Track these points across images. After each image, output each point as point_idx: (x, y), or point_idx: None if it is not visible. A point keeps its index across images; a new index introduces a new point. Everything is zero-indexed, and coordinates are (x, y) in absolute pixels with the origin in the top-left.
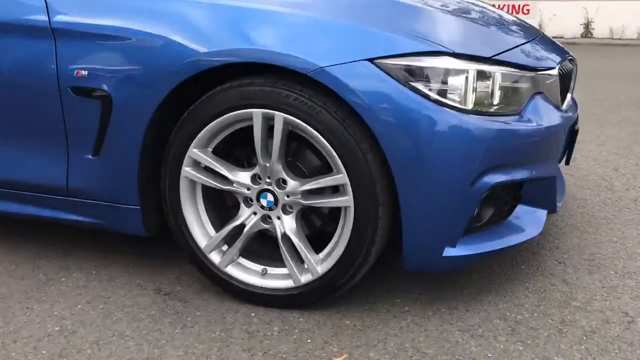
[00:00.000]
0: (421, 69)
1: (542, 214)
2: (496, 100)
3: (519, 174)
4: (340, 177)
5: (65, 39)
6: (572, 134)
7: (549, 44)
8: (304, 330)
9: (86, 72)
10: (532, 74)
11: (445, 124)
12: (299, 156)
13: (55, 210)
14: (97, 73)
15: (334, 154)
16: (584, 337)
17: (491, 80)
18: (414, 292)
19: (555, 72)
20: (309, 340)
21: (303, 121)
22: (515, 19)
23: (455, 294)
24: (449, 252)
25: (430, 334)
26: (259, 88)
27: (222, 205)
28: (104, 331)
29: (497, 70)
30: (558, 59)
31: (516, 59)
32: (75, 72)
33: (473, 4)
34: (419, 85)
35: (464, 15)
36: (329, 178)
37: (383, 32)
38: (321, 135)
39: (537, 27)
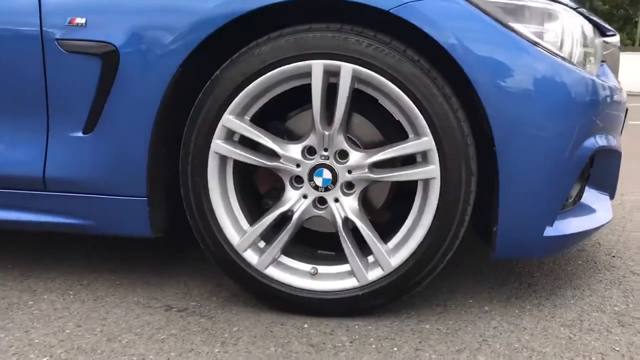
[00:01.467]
0: (522, 7)
1: (607, 198)
2: (590, 58)
3: (612, 141)
4: (426, 141)
5: None
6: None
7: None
8: (381, 338)
9: (84, 19)
10: (603, 39)
11: (553, 74)
12: (351, 127)
13: (23, 211)
14: (100, 21)
15: (418, 113)
16: None
17: (581, 34)
18: (480, 290)
19: (617, 41)
20: (394, 349)
21: (378, 73)
22: None
23: (527, 290)
24: (549, 231)
25: (532, 331)
26: (321, 34)
27: (251, 192)
28: (117, 357)
29: (583, 25)
30: (611, 30)
31: (592, 19)
32: (68, 20)
33: None
34: (518, 27)
35: None
36: (412, 143)
37: None
38: (401, 89)
39: None
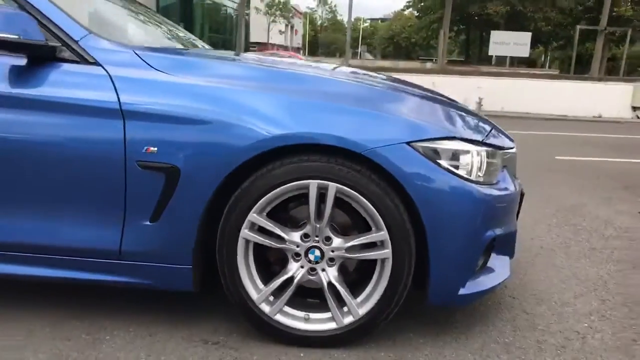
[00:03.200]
0: (443, 149)
1: (507, 259)
2: (488, 174)
3: (506, 228)
4: (382, 234)
5: (134, 119)
6: (521, 197)
7: (499, 129)
8: (366, 349)
9: (156, 148)
10: (502, 152)
11: (464, 190)
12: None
13: (103, 274)
14: (167, 149)
15: (378, 217)
16: (558, 352)
17: (485, 158)
18: (419, 328)
19: (514, 150)
20: None
21: (353, 189)
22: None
23: (451, 328)
24: (462, 291)
25: (451, 358)
26: (315, 164)
27: (266, 262)
28: None
29: (486, 150)
30: (511, 140)
31: (494, 141)
32: (145, 148)
33: (452, 100)
34: (447, 161)
35: (457, 109)
36: (373, 235)
37: (415, 122)
38: (368, 201)
39: None
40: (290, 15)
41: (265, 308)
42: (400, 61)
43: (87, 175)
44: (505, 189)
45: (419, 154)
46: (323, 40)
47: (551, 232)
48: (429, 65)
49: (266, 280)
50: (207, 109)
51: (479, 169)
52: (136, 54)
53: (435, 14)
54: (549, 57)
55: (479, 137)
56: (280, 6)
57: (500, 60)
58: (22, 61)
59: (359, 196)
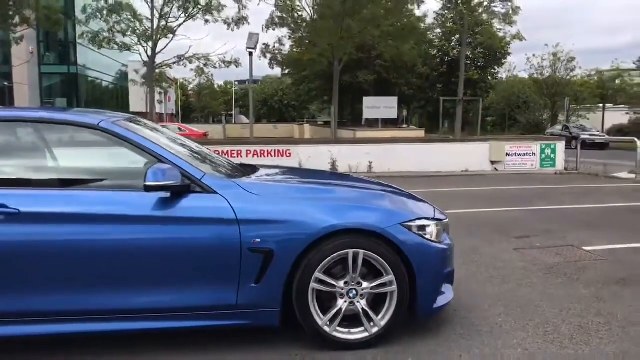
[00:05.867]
0: (418, 225)
1: (450, 286)
2: (438, 236)
3: (451, 266)
4: (390, 277)
5: (246, 224)
6: None
7: (436, 207)
8: (387, 352)
9: (259, 240)
10: (443, 222)
11: (431, 247)
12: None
13: (225, 320)
14: (266, 239)
15: (387, 266)
16: (480, 334)
17: (439, 227)
18: (411, 335)
19: (447, 220)
20: (390, 356)
21: (373, 253)
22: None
23: (427, 332)
24: (434, 306)
25: (430, 345)
26: (352, 240)
27: (321, 301)
28: None
29: (435, 222)
30: (443, 214)
31: (438, 216)
32: (253, 240)
33: (399, 189)
34: (421, 232)
35: (414, 198)
36: (385, 278)
37: (401, 211)
38: (383, 259)
39: (299, 166)
40: (168, 85)
41: (326, 329)
42: (278, 124)
43: (217, 258)
44: (448, 244)
45: (406, 229)
46: (196, 106)
47: (463, 267)
48: (307, 126)
49: (323, 312)
50: (285, 215)
51: (435, 234)
52: (238, 185)
53: (312, 83)
54: (410, 116)
55: (431, 215)
56: (157, 77)
57: (371, 122)
58: (167, 195)
59: (377, 256)
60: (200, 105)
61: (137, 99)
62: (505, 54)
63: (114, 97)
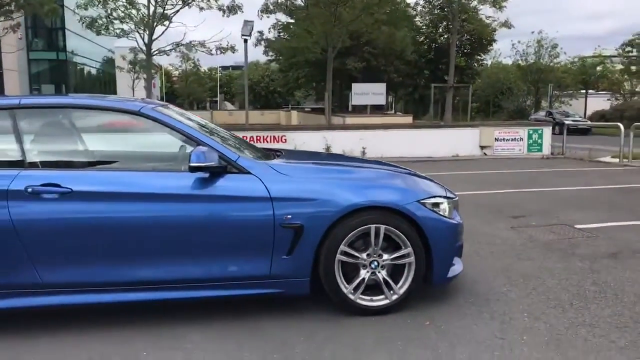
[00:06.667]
0: (433, 202)
1: (459, 259)
2: (450, 213)
3: (461, 241)
4: (409, 250)
5: (279, 202)
6: None
7: (446, 188)
8: (405, 317)
9: (291, 216)
10: (453, 200)
11: (445, 222)
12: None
13: (259, 289)
14: (296, 216)
15: (407, 241)
16: (489, 301)
17: (450, 205)
18: (426, 302)
19: (457, 198)
20: (409, 320)
21: (395, 228)
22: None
23: (438, 299)
24: (448, 275)
25: (443, 309)
26: (374, 216)
27: (345, 271)
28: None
29: (447, 200)
30: (453, 193)
31: (449, 194)
32: (285, 217)
33: (410, 171)
34: (436, 209)
35: (426, 178)
36: (404, 251)
37: (417, 190)
38: (402, 233)
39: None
40: (154, 72)
41: (351, 296)
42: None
43: (253, 233)
44: (458, 220)
45: (423, 206)
46: (181, 92)
47: (465, 244)
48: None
49: (348, 282)
50: (314, 193)
51: (447, 211)
52: (270, 166)
53: (301, 70)
54: (395, 101)
55: (444, 194)
56: (144, 63)
57: (359, 108)
58: (206, 175)
59: (397, 231)
60: (186, 92)
61: (124, 85)
62: (491, 41)
63: (102, 83)
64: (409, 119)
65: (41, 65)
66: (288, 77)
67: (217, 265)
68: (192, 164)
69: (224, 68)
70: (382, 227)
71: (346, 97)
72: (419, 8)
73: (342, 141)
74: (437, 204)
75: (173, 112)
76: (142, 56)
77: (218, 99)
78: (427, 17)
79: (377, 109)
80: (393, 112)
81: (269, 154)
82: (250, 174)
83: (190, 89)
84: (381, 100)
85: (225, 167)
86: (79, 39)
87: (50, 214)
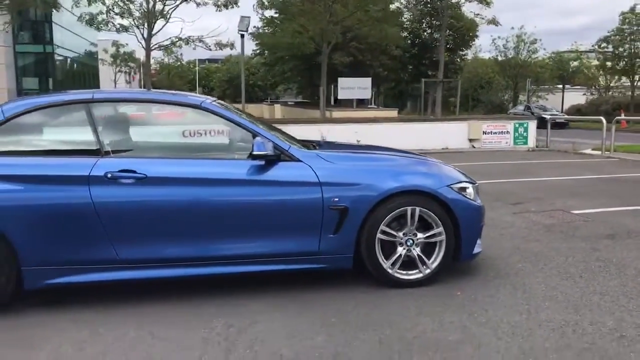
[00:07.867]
0: (461, 187)
1: (479, 240)
2: (475, 197)
3: (484, 222)
4: (440, 229)
5: (327, 186)
6: None
7: (465, 173)
8: (438, 289)
9: (337, 199)
10: (476, 185)
11: (472, 205)
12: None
13: (308, 264)
14: (342, 199)
15: (438, 220)
16: (509, 275)
17: (472, 189)
18: (455, 276)
19: (478, 184)
20: (442, 292)
21: (428, 210)
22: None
23: (465, 274)
24: (474, 252)
25: (472, 282)
26: (410, 199)
27: (383, 248)
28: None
29: (472, 185)
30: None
31: (472, 179)
32: (332, 200)
33: (433, 160)
34: (463, 193)
35: (451, 166)
36: (436, 230)
37: (446, 175)
38: (435, 214)
39: None
40: (136, 65)
41: (389, 271)
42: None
43: (304, 214)
44: (481, 203)
45: (453, 190)
46: (159, 84)
47: None
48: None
49: (386, 258)
50: (357, 179)
51: (473, 194)
52: (318, 155)
53: (287, 64)
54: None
55: (468, 180)
56: (126, 57)
57: (344, 102)
58: (262, 162)
59: (429, 212)
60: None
61: (106, 78)
62: (473, 37)
63: (84, 76)
64: (394, 113)
65: (27, 58)
66: (274, 71)
67: (273, 243)
68: (254, 152)
69: (201, 61)
70: (417, 209)
71: (331, 91)
72: (404, 2)
73: (337, 134)
74: (464, 188)
75: (229, 107)
76: (124, 50)
77: (197, 92)
78: (412, 13)
79: (361, 103)
80: (376, 106)
81: (306, 144)
82: (301, 161)
83: (171, 82)
84: (367, 94)
85: (279, 156)
86: (63, 32)
87: (127, 197)
